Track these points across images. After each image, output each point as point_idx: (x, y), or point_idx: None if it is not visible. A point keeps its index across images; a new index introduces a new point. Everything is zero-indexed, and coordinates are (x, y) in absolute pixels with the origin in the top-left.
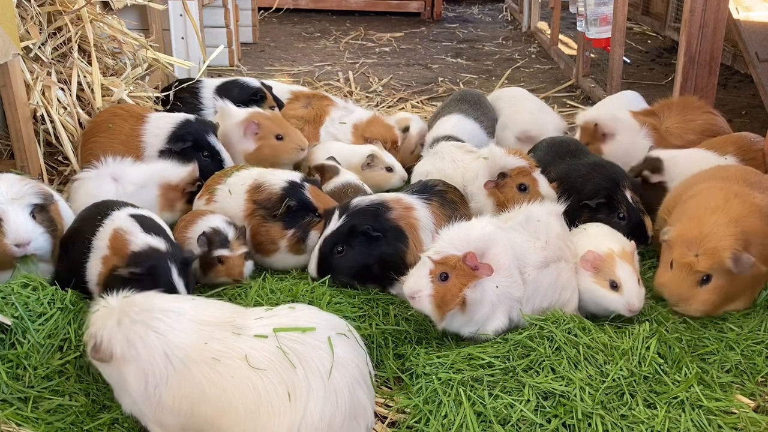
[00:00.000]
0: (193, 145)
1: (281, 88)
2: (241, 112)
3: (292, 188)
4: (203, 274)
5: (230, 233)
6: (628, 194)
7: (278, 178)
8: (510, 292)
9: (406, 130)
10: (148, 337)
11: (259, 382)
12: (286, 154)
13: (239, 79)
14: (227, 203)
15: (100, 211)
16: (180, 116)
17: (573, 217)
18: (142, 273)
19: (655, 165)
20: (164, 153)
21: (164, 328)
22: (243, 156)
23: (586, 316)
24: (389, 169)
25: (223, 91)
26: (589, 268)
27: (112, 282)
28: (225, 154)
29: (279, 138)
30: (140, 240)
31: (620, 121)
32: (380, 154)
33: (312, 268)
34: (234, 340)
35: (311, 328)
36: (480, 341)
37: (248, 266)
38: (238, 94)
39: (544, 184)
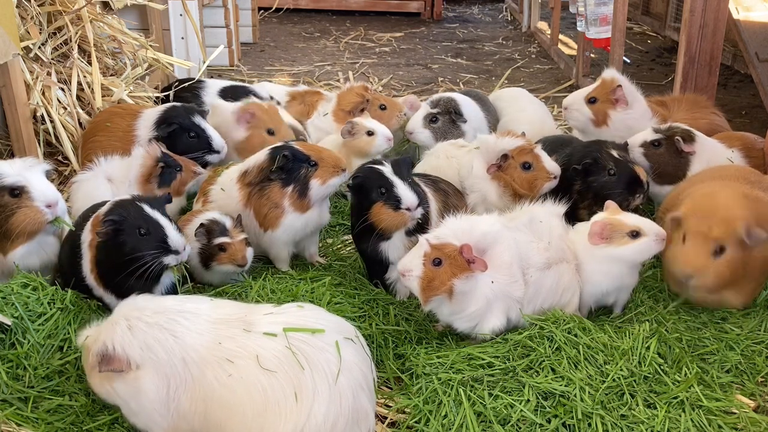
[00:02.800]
0: (180, 127)
1: (279, 90)
2: (236, 103)
3: (278, 147)
4: (205, 268)
5: (228, 222)
6: (614, 152)
7: (260, 152)
8: (509, 291)
9: (384, 108)
10: (167, 340)
11: (268, 383)
12: None
13: (245, 86)
14: (223, 200)
15: (94, 209)
16: (167, 105)
17: (572, 198)
18: (117, 220)
19: (689, 134)
20: (154, 140)
21: (181, 331)
22: (233, 145)
23: (597, 308)
24: (370, 133)
25: (227, 93)
26: (601, 240)
27: (100, 255)
28: (211, 132)
29: (270, 133)
30: (107, 204)
31: (638, 99)
32: (360, 120)
33: (412, 197)
34: (246, 338)
35: (321, 330)
36: (479, 341)
37: (249, 252)
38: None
39: (546, 159)
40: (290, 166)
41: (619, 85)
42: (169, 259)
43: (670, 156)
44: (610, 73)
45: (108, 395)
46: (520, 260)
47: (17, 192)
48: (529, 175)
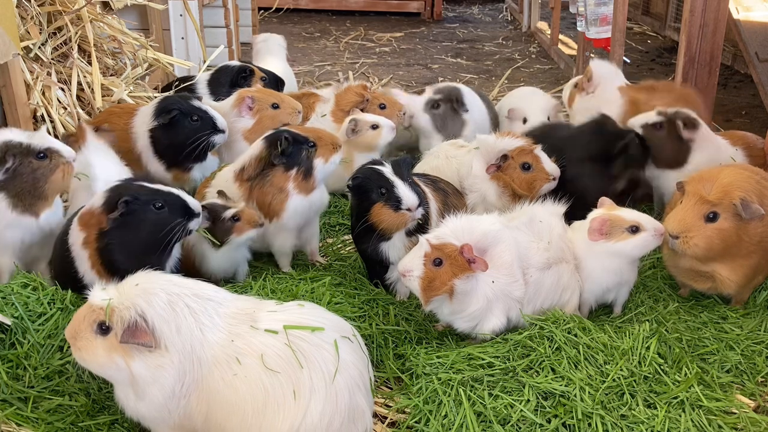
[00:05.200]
0: (180, 113)
1: None
2: (228, 98)
3: (273, 133)
4: (219, 247)
5: (220, 201)
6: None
7: (254, 144)
8: (509, 291)
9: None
10: (195, 330)
11: (269, 382)
12: (285, 119)
13: (223, 64)
14: None
15: (76, 213)
16: (160, 97)
17: (578, 184)
18: (127, 209)
19: (691, 121)
20: (155, 130)
21: (208, 324)
22: (243, 135)
23: (598, 307)
24: (374, 127)
25: (214, 81)
26: (600, 236)
27: (107, 248)
28: (213, 112)
29: (275, 106)
30: (100, 192)
31: (606, 88)
32: (360, 116)
33: (412, 198)
34: (252, 335)
35: (320, 327)
36: (479, 341)
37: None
38: (226, 77)
39: (546, 161)
40: (291, 150)
41: (584, 75)
42: (193, 224)
43: (671, 140)
44: (593, 63)
45: (108, 368)
46: (520, 260)
47: (42, 155)
48: (529, 175)
